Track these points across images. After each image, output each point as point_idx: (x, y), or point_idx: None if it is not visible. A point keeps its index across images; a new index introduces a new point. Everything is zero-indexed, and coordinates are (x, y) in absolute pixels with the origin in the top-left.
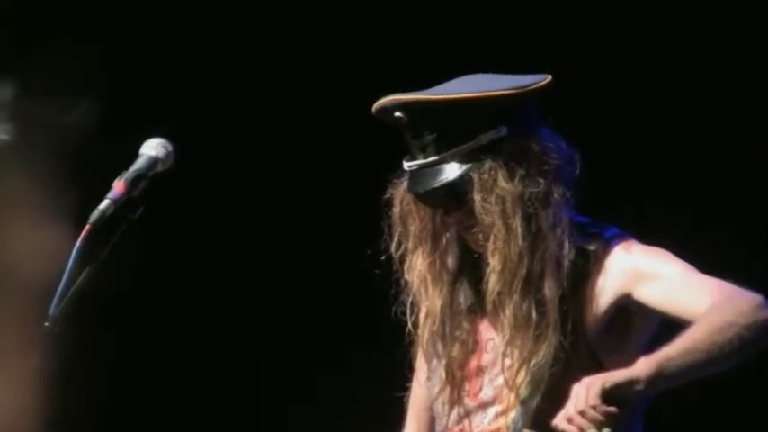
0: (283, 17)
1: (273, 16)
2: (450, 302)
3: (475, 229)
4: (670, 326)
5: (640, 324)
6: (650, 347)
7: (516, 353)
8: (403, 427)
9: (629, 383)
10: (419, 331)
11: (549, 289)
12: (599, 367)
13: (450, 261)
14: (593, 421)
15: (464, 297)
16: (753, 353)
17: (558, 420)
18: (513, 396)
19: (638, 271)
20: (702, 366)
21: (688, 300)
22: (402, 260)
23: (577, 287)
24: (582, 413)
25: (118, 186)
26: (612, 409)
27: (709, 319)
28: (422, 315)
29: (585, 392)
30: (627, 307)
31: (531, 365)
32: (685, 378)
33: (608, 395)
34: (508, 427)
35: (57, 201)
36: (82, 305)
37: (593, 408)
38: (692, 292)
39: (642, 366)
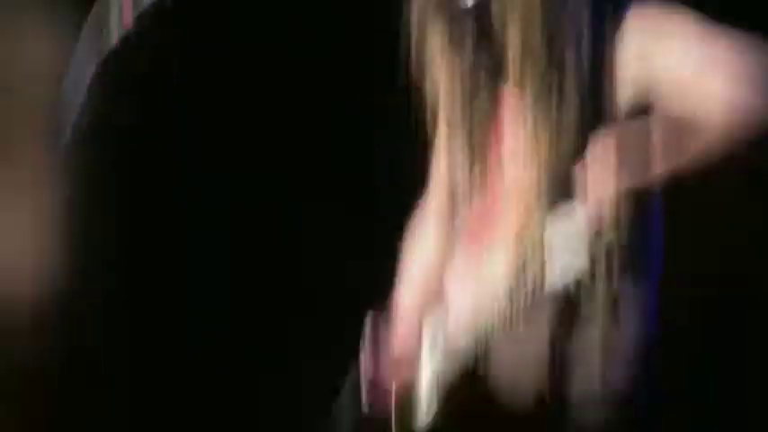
0: None
1: None
2: (471, 72)
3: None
4: None
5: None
6: None
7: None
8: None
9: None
10: (440, 102)
11: (570, 58)
12: None
13: (468, 30)
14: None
15: (483, 67)
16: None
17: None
18: (536, 158)
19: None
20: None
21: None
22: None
23: (597, 55)
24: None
25: None
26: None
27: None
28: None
29: (605, 150)
30: (645, 77)
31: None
32: None
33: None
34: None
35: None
36: None
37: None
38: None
39: None
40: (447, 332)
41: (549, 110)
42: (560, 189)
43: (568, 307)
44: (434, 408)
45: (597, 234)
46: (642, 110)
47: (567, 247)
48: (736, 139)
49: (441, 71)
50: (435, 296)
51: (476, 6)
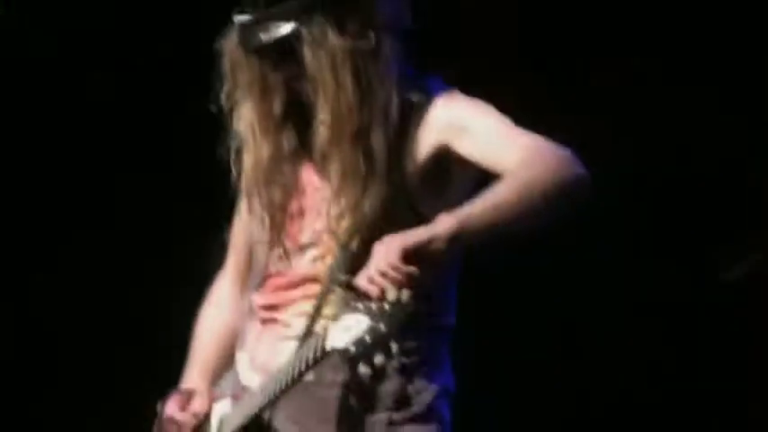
0: None
1: None
2: (276, 149)
3: (304, 83)
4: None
5: (458, 177)
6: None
7: (343, 202)
8: (224, 265)
9: (429, 241)
10: (243, 176)
11: (377, 142)
12: (418, 219)
13: (277, 108)
14: (393, 282)
15: (288, 143)
16: (559, 212)
17: (359, 280)
18: (332, 241)
19: (457, 123)
20: (506, 224)
21: (501, 153)
22: (231, 111)
23: (402, 139)
24: (383, 274)
25: None
26: (413, 269)
27: (517, 175)
28: (247, 161)
29: (385, 252)
30: (445, 159)
31: (356, 214)
32: (489, 235)
33: (409, 255)
34: (325, 273)
35: None
36: None
37: (394, 268)
38: (505, 145)
39: (443, 223)
40: (234, 389)
41: (352, 188)
42: (354, 264)
43: (351, 365)
44: None
45: (380, 299)
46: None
47: (351, 313)
48: (531, 185)
49: (249, 145)
50: (225, 358)
51: (285, 84)
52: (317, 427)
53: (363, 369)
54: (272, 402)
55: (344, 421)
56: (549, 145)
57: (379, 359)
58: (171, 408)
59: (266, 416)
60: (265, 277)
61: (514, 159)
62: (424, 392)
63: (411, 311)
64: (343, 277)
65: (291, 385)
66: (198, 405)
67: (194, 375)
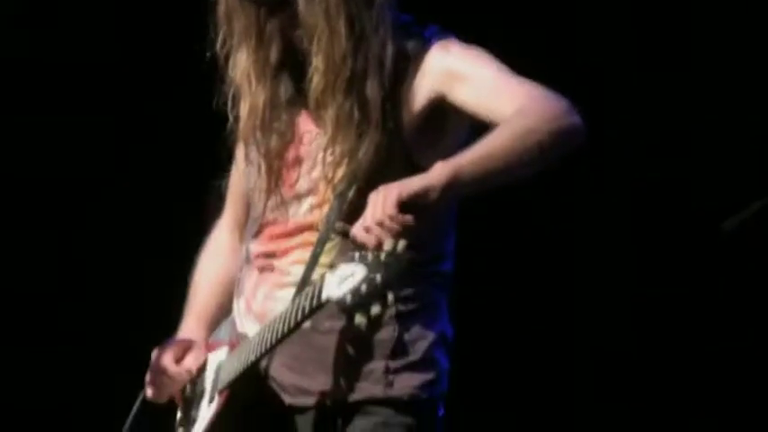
0: None
1: None
2: (272, 96)
3: (299, 30)
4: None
5: (453, 126)
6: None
7: (338, 149)
8: (222, 213)
9: (425, 191)
10: (240, 124)
11: (372, 89)
12: (413, 168)
13: (273, 56)
14: (389, 232)
15: (284, 90)
16: (553, 160)
17: (356, 230)
18: (329, 189)
19: (453, 71)
20: (500, 173)
21: (497, 102)
22: (227, 57)
23: (397, 87)
24: (379, 224)
25: None
26: (409, 218)
27: (512, 124)
28: (243, 108)
29: (382, 201)
30: (441, 108)
31: (351, 162)
32: (483, 184)
33: (405, 204)
34: (321, 221)
35: None
36: None
37: (390, 218)
38: (502, 94)
39: (438, 173)
40: (232, 336)
41: (347, 135)
42: (350, 212)
43: (348, 314)
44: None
45: (377, 249)
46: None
47: (347, 262)
48: (525, 134)
49: (245, 92)
50: (222, 311)
51: (280, 31)
52: (314, 375)
53: (359, 319)
54: (268, 350)
55: (341, 369)
56: (545, 93)
57: (375, 309)
58: (166, 359)
59: (263, 364)
60: (262, 225)
61: (510, 108)
62: (421, 340)
63: (407, 261)
64: (339, 226)
65: (288, 334)
66: (192, 359)
67: (191, 324)
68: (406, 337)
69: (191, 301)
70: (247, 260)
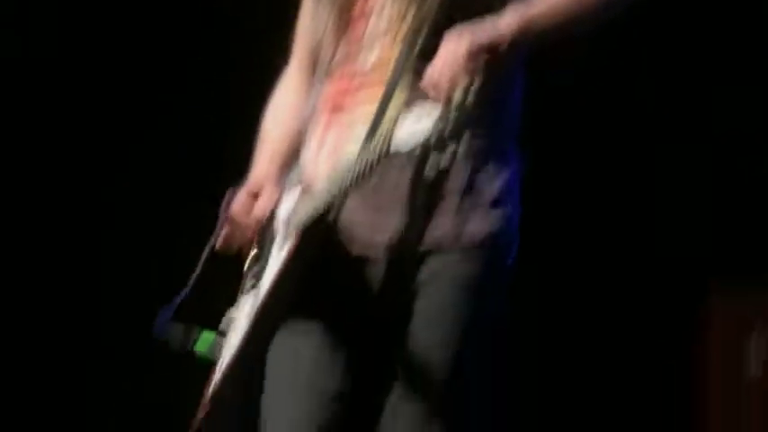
0: None
1: None
2: None
3: None
4: None
5: None
6: None
7: None
8: (291, 58)
9: (495, 42)
10: None
11: None
12: (484, 8)
13: None
14: (458, 83)
15: None
16: (614, 11)
17: (425, 82)
18: (399, 35)
19: None
20: (568, 24)
21: None
22: None
23: None
24: (449, 75)
25: None
26: (478, 68)
27: None
28: None
29: (453, 52)
30: None
31: (419, 10)
32: (552, 36)
33: (475, 56)
34: (392, 63)
35: None
36: None
37: (459, 69)
38: None
39: (507, 24)
40: (303, 178)
41: None
42: (419, 63)
43: (419, 165)
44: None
45: (447, 103)
46: None
47: (416, 113)
48: None
49: None
50: (294, 152)
51: None
52: (385, 220)
53: (428, 171)
54: (340, 195)
55: (412, 214)
56: None
57: (444, 161)
58: (236, 208)
59: (332, 214)
60: (332, 70)
61: None
62: (492, 184)
63: (476, 112)
64: (408, 75)
65: (357, 183)
66: (264, 201)
67: (264, 166)
68: (478, 182)
69: (261, 145)
70: (318, 104)
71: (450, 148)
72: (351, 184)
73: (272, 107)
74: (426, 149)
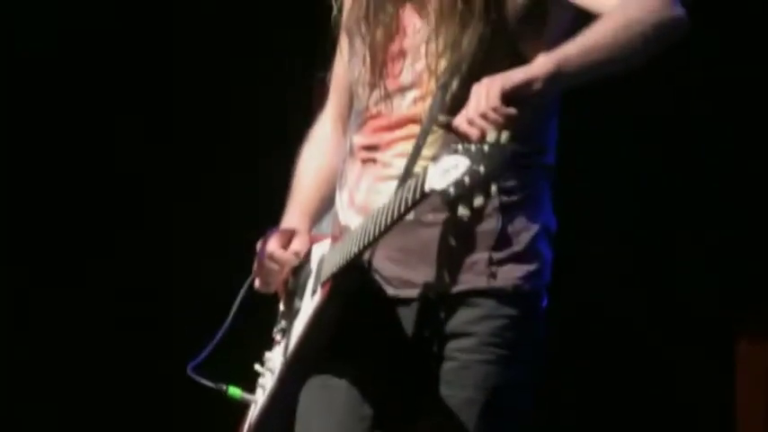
0: None
1: None
2: None
3: None
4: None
5: (557, 16)
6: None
7: (441, 41)
8: (326, 105)
9: (529, 82)
10: (344, 14)
11: None
12: (517, 59)
13: None
14: (493, 123)
15: None
16: (655, 51)
17: (458, 121)
18: (432, 81)
19: None
20: (604, 64)
21: None
22: None
23: None
24: (483, 115)
25: None
26: (512, 109)
27: (615, 16)
28: None
29: (486, 92)
30: None
31: (454, 52)
32: (587, 76)
33: (508, 96)
34: (424, 113)
35: None
36: None
37: (494, 109)
38: None
39: (541, 64)
40: (335, 228)
41: (450, 26)
42: (454, 104)
43: (451, 206)
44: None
45: (480, 140)
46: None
47: (450, 154)
48: (628, 26)
49: None
50: (326, 199)
51: None
52: (418, 267)
53: (462, 211)
54: (371, 243)
55: (445, 261)
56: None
57: (478, 201)
58: (272, 245)
59: (366, 256)
60: (366, 118)
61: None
62: (524, 232)
63: (510, 153)
64: (443, 118)
65: (391, 226)
66: (298, 244)
67: (295, 215)
68: (510, 228)
69: (293, 193)
70: (351, 153)
71: (485, 189)
72: (383, 231)
73: (305, 158)
74: (460, 187)
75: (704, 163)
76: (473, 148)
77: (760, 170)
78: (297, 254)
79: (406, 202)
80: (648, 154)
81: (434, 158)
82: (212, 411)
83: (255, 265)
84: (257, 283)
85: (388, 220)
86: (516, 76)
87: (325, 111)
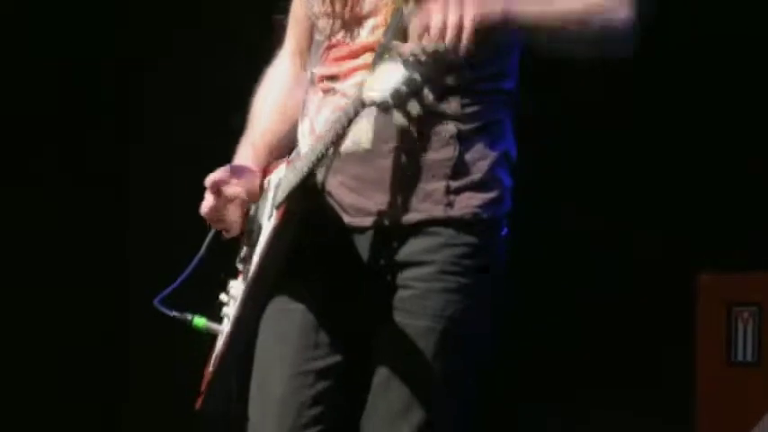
0: None
1: None
2: None
3: None
4: None
5: None
6: None
7: None
8: (284, 40)
9: (500, 21)
10: None
11: None
12: None
13: None
14: (450, 39)
15: None
16: (595, 45)
17: (428, 18)
18: (389, 9)
19: None
20: (554, 29)
21: None
22: None
23: None
24: (446, 22)
25: None
26: (470, 41)
27: None
28: None
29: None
30: None
31: None
32: (530, 32)
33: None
34: (379, 39)
35: None
36: None
37: (459, 27)
38: None
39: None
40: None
41: None
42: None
43: (402, 136)
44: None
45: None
46: None
47: (386, 64)
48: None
49: None
50: (284, 132)
51: None
52: (373, 195)
53: (400, 119)
54: (320, 159)
55: (401, 190)
56: None
57: (414, 108)
58: (218, 174)
59: (322, 181)
60: (326, 48)
61: None
62: (482, 160)
63: (446, 59)
64: (396, 44)
65: (336, 141)
66: (244, 182)
67: (244, 151)
68: (467, 156)
69: (248, 129)
70: (312, 83)
71: (419, 95)
72: (329, 145)
73: (261, 93)
74: (397, 95)
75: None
76: (410, 57)
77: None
78: (244, 190)
79: (348, 115)
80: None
81: (371, 69)
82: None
83: (205, 208)
84: (216, 227)
85: (333, 135)
86: (494, 9)
87: (283, 47)
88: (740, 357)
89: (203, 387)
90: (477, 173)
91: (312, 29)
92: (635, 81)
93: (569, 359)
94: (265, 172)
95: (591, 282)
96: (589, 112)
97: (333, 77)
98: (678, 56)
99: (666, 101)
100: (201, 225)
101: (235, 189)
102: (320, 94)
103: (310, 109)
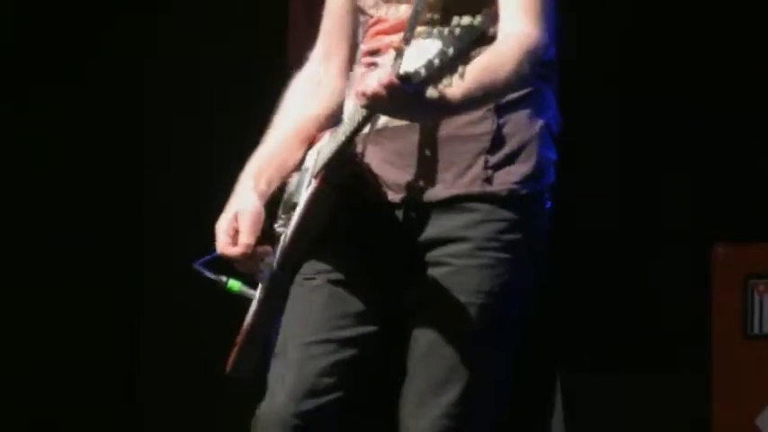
0: None
1: None
2: None
3: None
4: None
5: None
6: None
7: None
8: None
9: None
10: None
11: None
12: None
13: None
14: None
15: None
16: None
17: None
18: None
19: None
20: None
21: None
22: None
23: None
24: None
25: None
26: None
27: (506, 68)
28: None
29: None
30: None
31: None
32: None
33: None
34: (410, 9)
35: None
36: None
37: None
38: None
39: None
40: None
41: None
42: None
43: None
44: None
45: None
46: None
47: (424, 39)
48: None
49: None
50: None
51: None
52: (410, 169)
53: (431, 92)
54: (358, 129)
55: (437, 164)
56: (530, 46)
57: (446, 82)
58: (220, 245)
59: (359, 149)
60: (370, 25)
61: (511, 30)
62: (520, 133)
63: (479, 34)
64: (428, 15)
65: (371, 113)
66: (245, 236)
67: (247, 182)
68: (505, 129)
69: (265, 140)
70: (358, 61)
71: (452, 70)
72: (366, 116)
73: (290, 100)
74: (430, 68)
75: None
76: (445, 31)
77: None
78: (247, 246)
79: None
80: None
81: (405, 43)
82: None
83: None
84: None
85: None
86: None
87: (313, 52)
88: (756, 330)
89: (233, 351)
90: (515, 146)
91: (348, 22)
92: (656, 47)
93: (583, 332)
94: (311, 143)
95: (605, 254)
96: (608, 83)
97: (374, 52)
98: (708, 22)
99: (684, 69)
100: (218, 212)
101: (238, 251)
102: (364, 68)
103: (354, 84)
